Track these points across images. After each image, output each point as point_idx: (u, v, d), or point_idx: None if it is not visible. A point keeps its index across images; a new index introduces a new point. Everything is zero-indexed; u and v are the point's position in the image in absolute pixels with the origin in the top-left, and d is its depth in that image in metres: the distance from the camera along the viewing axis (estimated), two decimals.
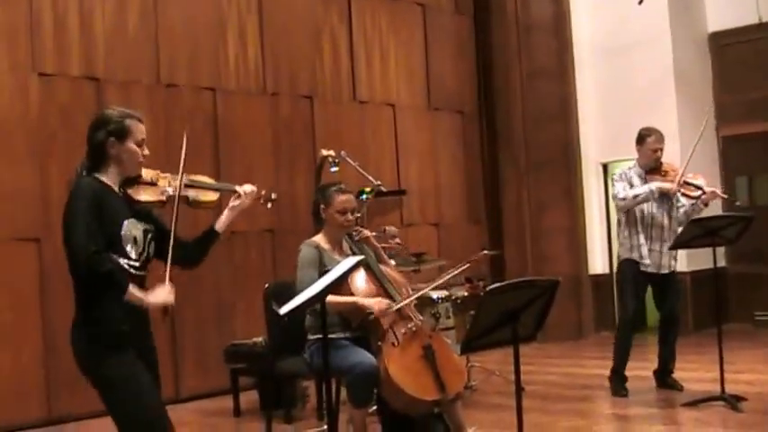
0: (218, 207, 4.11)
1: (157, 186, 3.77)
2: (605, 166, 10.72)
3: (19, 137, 7.11)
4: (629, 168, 6.91)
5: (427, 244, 9.75)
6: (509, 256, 10.49)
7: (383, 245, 7.17)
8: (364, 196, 6.83)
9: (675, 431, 5.96)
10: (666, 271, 6.82)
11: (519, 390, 4.47)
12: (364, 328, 5.20)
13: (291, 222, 8.62)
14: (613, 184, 6.89)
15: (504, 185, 10.71)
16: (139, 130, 3.69)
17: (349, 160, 6.72)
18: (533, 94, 10.38)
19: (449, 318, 7.21)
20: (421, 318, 5.42)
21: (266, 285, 5.81)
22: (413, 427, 5.41)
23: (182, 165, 3.79)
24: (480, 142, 10.85)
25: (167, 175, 3.82)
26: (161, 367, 7.50)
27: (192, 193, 3.86)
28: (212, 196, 3.95)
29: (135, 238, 3.60)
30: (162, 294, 3.59)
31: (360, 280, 5.28)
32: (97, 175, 3.62)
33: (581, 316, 10.28)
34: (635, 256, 6.83)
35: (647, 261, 6.79)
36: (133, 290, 3.51)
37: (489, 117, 10.89)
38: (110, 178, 3.64)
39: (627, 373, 6.94)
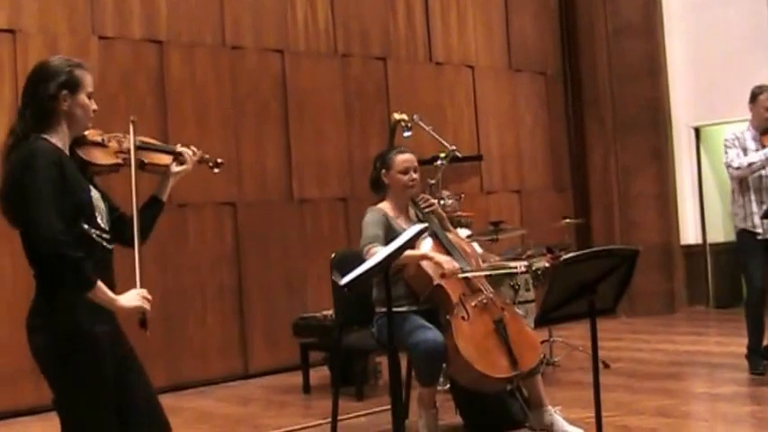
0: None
1: (109, 148, 3.27)
2: (697, 131, 10.08)
3: None
4: (743, 132, 6.38)
5: (509, 212, 9.34)
6: (596, 224, 9.98)
7: (457, 213, 6.85)
8: (439, 162, 6.50)
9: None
10: None
11: (596, 366, 4.07)
12: (433, 301, 4.91)
13: (365, 190, 8.17)
14: (725, 151, 6.36)
15: (589, 150, 10.15)
16: (89, 80, 3.17)
17: (422, 124, 6.42)
18: (620, 53, 9.80)
19: (528, 290, 6.79)
20: (492, 290, 5.07)
21: (332, 255, 5.50)
22: (487, 406, 5.11)
23: (131, 126, 3.30)
24: (564, 105, 10.32)
25: (116, 134, 3.32)
26: (229, 341, 7.46)
27: (146, 155, 3.37)
28: (166, 159, 3.45)
29: (101, 207, 3.14)
30: (135, 298, 3.06)
31: (426, 248, 4.97)
32: (46, 137, 3.06)
33: (672, 289, 9.72)
34: (748, 225, 6.31)
35: (759, 230, 6.23)
36: (102, 287, 2.98)
37: (573, 78, 10.32)
38: (60, 139, 3.10)
39: (725, 349, 6.41)
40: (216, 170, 3.72)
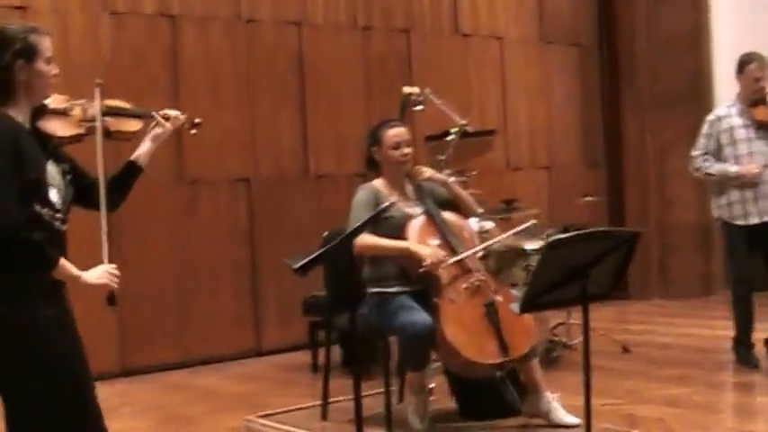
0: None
1: (71, 116, 3.13)
2: None
3: (89, 80, 6.78)
4: (729, 107, 6.05)
5: (536, 189, 9.08)
6: (630, 203, 9.63)
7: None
8: (450, 137, 6.31)
9: None
10: None
11: (587, 354, 3.84)
12: (424, 281, 4.71)
13: None
14: (698, 137, 6.07)
15: (624, 125, 9.72)
16: (46, 45, 3.01)
17: (433, 98, 6.25)
18: (660, 23, 9.36)
19: None
20: (484, 272, 4.87)
21: (325, 233, 5.34)
22: (482, 391, 4.95)
23: (97, 90, 3.19)
24: (599, 78, 9.90)
25: (80, 101, 3.18)
26: (242, 318, 7.36)
27: (112, 123, 3.22)
28: (135, 125, 3.31)
29: (58, 184, 3.01)
30: (102, 275, 2.98)
31: (414, 228, 4.76)
32: (3, 110, 2.94)
33: (710, 270, 9.31)
34: (724, 215, 5.99)
35: (740, 221, 5.90)
36: (65, 264, 2.90)
37: (610, 49, 9.88)
38: (18, 112, 2.96)
39: (757, 335, 6.09)
40: (193, 131, 3.60)
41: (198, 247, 7.25)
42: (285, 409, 5.52)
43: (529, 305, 3.90)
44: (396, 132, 4.87)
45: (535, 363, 4.76)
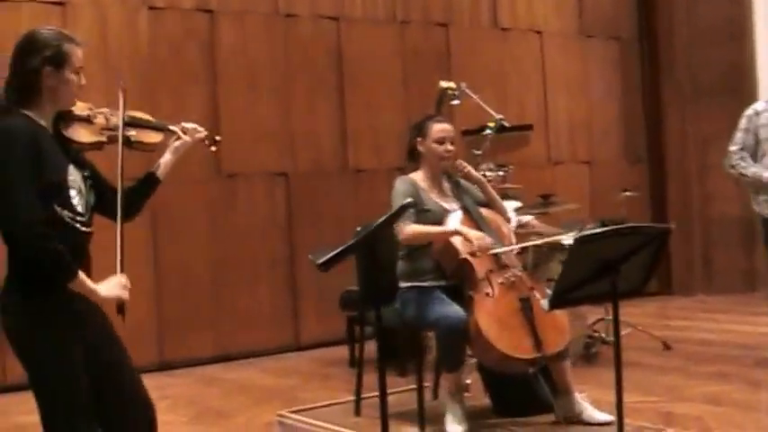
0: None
1: (94, 124, 3.16)
2: None
3: (127, 73, 6.87)
4: (767, 101, 5.95)
5: (578, 183, 8.99)
6: (671, 196, 9.51)
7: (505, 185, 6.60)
8: (487, 131, 6.29)
9: None
10: None
11: (618, 352, 3.80)
12: (459, 276, 4.74)
13: None
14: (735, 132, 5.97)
15: (665, 118, 9.60)
16: (77, 55, 3.05)
17: (469, 93, 6.29)
18: (701, 13, 9.22)
19: None
20: (521, 268, 4.86)
21: (357, 228, 5.33)
22: (516, 387, 4.90)
23: (121, 100, 3.20)
24: (640, 71, 9.79)
25: (103, 110, 3.20)
26: (281, 312, 7.39)
27: (133, 133, 3.24)
28: (156, 137, 3.32)
29: (80, 188, 3.03)
30: (116, 287, 2.99)
31: (453, 222, 4.78)
32: (25, 112, 2.97)
33: (754, 265, 9.15)
34: (763, 211, 5.88)
35: None
36: (83, 278, 2.93)
37: (650, 42, 9.77)
38: (41, 115, 3.00)
39: None
40: (213, 148, 3.61)
41: (236, 241, 7.30)
42: (318, 404, 5.52)
43: (558, 301, 3.87)
44: (442, 128, 4.90)
45: (567, 364, 4.72)
